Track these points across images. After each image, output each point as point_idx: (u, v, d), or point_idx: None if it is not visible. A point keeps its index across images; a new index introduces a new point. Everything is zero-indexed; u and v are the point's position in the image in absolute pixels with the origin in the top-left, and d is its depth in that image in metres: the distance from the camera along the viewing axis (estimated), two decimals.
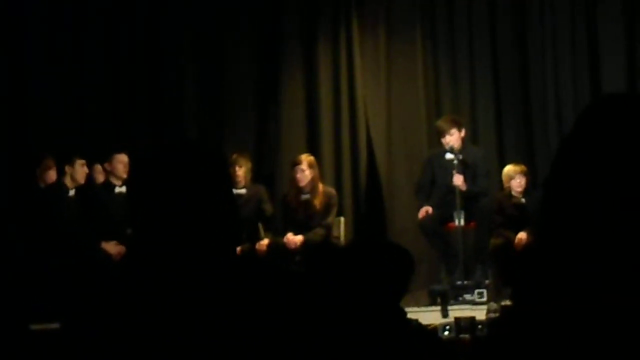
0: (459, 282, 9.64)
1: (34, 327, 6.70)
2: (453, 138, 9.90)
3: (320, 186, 9.99)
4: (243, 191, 9.95)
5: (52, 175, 9.76)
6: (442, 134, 9.99)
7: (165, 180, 2.30)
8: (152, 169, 2.33)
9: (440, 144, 10.07)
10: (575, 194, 1.68)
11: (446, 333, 7.79)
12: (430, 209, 9.89)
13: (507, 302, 7.99)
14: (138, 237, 2.36)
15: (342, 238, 10.17)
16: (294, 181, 9.94)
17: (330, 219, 10.00)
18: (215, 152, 2.42)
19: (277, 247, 9.75)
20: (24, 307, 7.96)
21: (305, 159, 9.96)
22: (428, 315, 8.50)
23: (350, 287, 3.38)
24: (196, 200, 2.29)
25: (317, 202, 9.90)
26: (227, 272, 2.31)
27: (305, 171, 9.86)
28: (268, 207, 10.17)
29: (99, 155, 10.07)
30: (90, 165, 9.91)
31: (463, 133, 10.00)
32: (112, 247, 9.49)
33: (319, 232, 9.84)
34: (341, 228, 10.28)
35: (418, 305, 9.07)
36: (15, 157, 10.52)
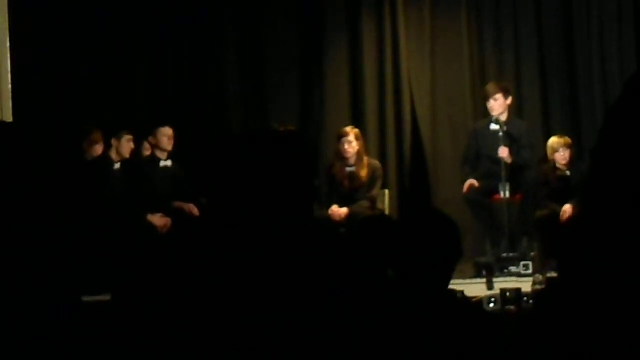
0: (504, 254, 9.62)
1: (86, 299, 6.78)
2: (497, 104, 9.87)
3: (366, 158, 9.99)
4: None
5: (98, 149, 9.81)
6: (487, 98, 9.98)
7: (253, 163, 2.39)
8: (243, 154, 2.42)
9: (486, 110, 10.05)
10: (623, 162, 1.68)
11: (491, 305, 7.78)
12: (475, 183, 9.86)
13: (553, 274, 7.97)
14: (211, 211, 2.46)
15: (387, 210, 10.16)
16: (339, 153, 9.94)
17: (375, 191, 10.00)
18: (303, 143, 2.53)
19: (322, 219, 9.76)
20: (75, 280, 8.04)
21: (352, 131, 9.96)
22: (473, 288, 8.50)
23: (398, 259, 3.39)
24: (275, 184, 2.37)
25: (363, 175, 9.89)
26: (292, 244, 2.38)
27: (352, 143, 9.86)
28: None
29: (146, 130, 10.11)
30: (137, 141, 9.95)
31: (509, 101, 9.97)
32: (157, 220, 9.56)
33: (364, 204, 9.84)
34: (386, 201, 10.27)
35: (463, 277, 9.05)
36: (62, 130, 10.59)
